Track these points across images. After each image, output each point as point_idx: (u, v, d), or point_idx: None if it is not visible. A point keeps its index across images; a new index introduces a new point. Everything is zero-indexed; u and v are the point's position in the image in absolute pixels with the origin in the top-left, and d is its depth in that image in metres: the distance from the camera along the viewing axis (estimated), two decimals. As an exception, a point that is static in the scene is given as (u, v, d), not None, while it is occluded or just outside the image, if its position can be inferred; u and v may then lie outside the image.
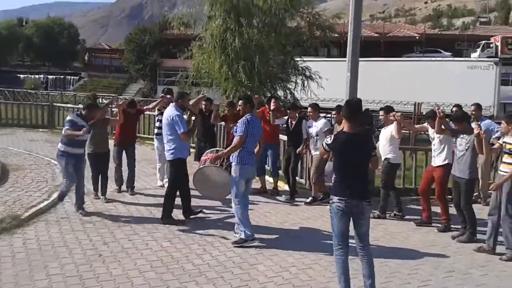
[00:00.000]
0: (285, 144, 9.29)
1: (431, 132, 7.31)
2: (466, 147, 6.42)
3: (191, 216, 6.95)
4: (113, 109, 9.59)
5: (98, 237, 6.08)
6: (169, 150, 6.70)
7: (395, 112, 7.54)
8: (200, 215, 7.08)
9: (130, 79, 46.69)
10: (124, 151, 8.44)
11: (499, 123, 6.90)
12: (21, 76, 50.56)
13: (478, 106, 8.95)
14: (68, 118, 7.00)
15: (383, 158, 7.63)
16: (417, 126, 7.86)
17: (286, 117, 8.87)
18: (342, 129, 4.66)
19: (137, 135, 9.96)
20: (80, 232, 6.21)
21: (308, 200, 8.32)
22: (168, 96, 8.57)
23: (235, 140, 5.94)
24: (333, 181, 4.63)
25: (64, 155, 6.88)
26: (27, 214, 6.70)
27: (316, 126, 8.32)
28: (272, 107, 8.69)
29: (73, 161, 6.89)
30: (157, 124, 9.14)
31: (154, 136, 9.34)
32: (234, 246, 5.87)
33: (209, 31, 16.57)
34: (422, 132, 8.59)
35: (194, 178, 6.83)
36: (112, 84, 45.90)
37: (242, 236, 5.97)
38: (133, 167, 8.49)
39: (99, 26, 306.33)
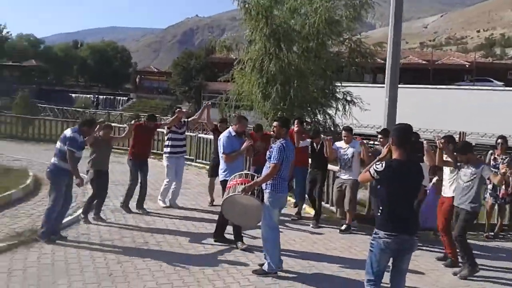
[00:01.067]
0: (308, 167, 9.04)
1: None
2: (471, 178, 6.05)
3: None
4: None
5: (113, 255, 5.98)
6: (220, 169, 6.98)
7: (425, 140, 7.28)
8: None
9: (176, 101, 47.71)
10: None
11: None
12: (73, 95, 52.70)
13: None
14: (68, 134, 6.47)
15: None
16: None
17: (309, 140, 8.64)
18: (385, 156, 4.38)
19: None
20: (96, 250, 6.14)
21: (342, 228, 8.03)
22: (183, 109, 8.98)
23: (271, 167, 5.60)
24: (378, 213, 4.19)
25: (61, 171, 6.42)
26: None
27: (353, 148, 8.01)
28: (295, 129, 8.48)
29: (67, 178, 6.52)
30: (166, 142, 9.08)
31: (165, 155, 9.07)
32: (253, 274, 5.60)
33: (249, 54, 16.69)
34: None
35: (223, 206, 6.06)
36: (159, 105, 46.94)
37: (266, 267, 5.65)
38: (145, 183, 8.44)
39: (152, 50, 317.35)
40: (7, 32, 50.85)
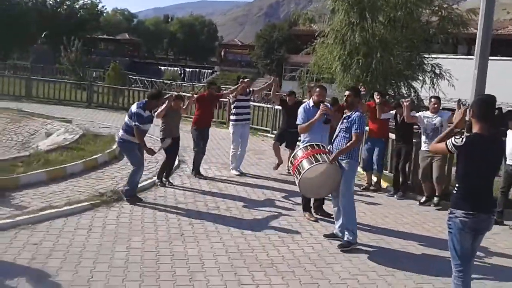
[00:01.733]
0: (393, 141, 8.78)
1: None
2: None
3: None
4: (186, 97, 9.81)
5: (186, 217, 6.24)
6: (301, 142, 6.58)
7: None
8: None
9: (257, 74, 48.06)
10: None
11: None
12: (163, 68, 54.90)
13: None
14: (134, 110, 6.65)
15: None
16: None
17: (393, 111, 8.32)
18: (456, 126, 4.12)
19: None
20: (171, 212, 6.43)
21: (422, 200, 7.94)
22: (247, 79, 9.08)
23: (354, 136, 5.55)
24: (455, 191, 3.89)
25: (129, 143, 6.76)
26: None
27: (441, 117, 7.68)
28: (377, 101, 8.22)
29: (137, 147, 6.79)
30: (233, 110, 9.22)
31: (231, 123, 9.32)
32: (341, 250, 5.43)
33: (331, 25, 16.24)
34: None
35: (302, 185, 5.75)
36: (241, 77, 47.62)
37: (350, 238, 5.52)
38: (204, 150, 8.79)
39: (238, 24, 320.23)
40: (103, 7, 53.77)
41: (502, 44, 31.27)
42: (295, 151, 6.25)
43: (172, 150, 7.86)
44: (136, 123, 6.54)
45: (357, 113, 5.64)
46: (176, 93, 8.24)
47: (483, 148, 3.75)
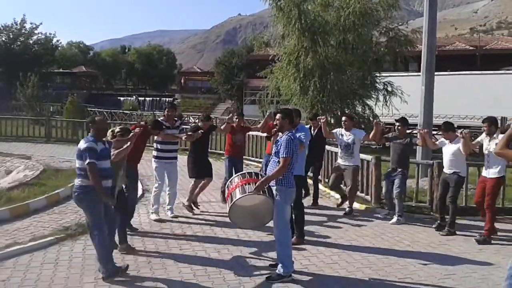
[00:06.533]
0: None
1: (485, 144, 7.04)
2: None
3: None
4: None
5: (152, 245, 6.33)
6: None
7: (462, 130, 7.37)
8: None
9: (218, 99, 48.49)
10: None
11: None
12: (122, 98, 54.53)
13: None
14: (83, 146, 5.25)
15: (450, 172, 7.32)
16: (473, 143, 7.55)
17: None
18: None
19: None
20: (135, 240, 6.51)
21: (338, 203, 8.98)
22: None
23: (282, 161, 5.21)
24: None
25: (91, 192, 5.19)
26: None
27: (354, 135, 8.34)
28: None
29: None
30: (156, 145, 7.94)
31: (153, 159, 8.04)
32: (268, 282, 5.18)
33: (284, 49, 16.83)
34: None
35: (232, 213, 5.33)
36: (202, 104, 47.85)
37: (281, 271, 5.24)
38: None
39: (196, 51, 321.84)
40: (57, 41, 53.11)
41: (451, 59, 32.81)
42: (232, 177, 5.92)
43: (120, 206, 6.00)
44: (90, 160, 5.13)
45: (284, 136, 5.34)
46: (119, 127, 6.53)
47: None
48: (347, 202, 8.58)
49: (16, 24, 47.15)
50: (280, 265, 5.28)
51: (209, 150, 9.27)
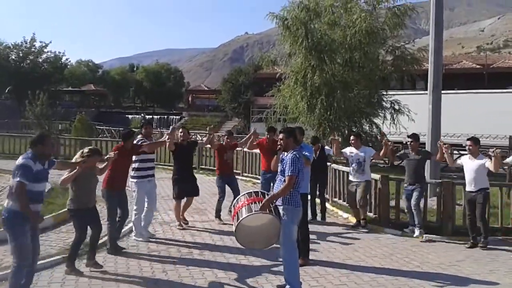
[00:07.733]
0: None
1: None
2: None
3: None
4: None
5: (159, 264, 6.30)
6: None
7: (495, 149, 7.38)
8: None
9: (225, 117, 48.66)
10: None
11: None
12: (130, 116, 54.90)
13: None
14: (19, 162, 4.83)
15: (476, 189, 7.44)
16: (504, 161, 7.66)
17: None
18: None
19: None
20: (144, 259, 6.49)
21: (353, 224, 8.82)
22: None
23: (287, 180, 5.18)
24: None
25: (18, 217, 4.79)
26: (100, 242, 7.12)
27: (364, 152, 8.64)
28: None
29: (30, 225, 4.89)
30: (135, 165, 7.53)
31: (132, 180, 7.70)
32: None
33: (291, 68, 16.92)
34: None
35: (238, 233, 5.24)
36: (210, 122, 48.04)
37: None
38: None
39: (204, 69, 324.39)
40: (66, 59, 53.81)
41: (458, 77, 32.82)
42: (238, 196, 5.76)
43: (91, 223, 6.17)
44: (19, 179, 4.65)
45: (290, 155, 5.31)
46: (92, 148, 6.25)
47: None
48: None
49: (26, 43, 47.95)
50: (287, 286, 5.22)
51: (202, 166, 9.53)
